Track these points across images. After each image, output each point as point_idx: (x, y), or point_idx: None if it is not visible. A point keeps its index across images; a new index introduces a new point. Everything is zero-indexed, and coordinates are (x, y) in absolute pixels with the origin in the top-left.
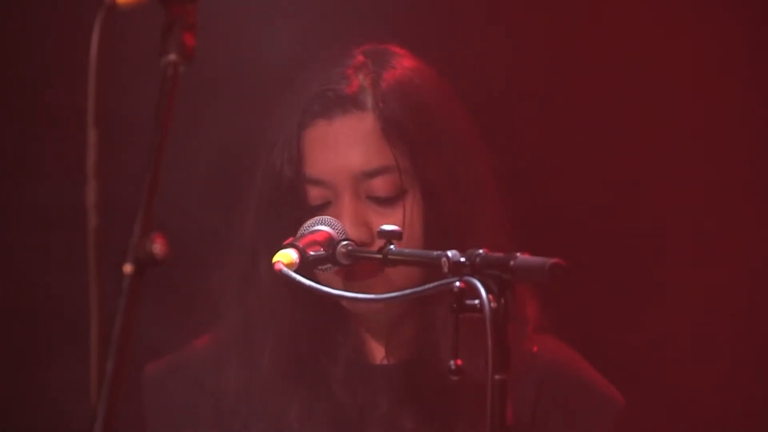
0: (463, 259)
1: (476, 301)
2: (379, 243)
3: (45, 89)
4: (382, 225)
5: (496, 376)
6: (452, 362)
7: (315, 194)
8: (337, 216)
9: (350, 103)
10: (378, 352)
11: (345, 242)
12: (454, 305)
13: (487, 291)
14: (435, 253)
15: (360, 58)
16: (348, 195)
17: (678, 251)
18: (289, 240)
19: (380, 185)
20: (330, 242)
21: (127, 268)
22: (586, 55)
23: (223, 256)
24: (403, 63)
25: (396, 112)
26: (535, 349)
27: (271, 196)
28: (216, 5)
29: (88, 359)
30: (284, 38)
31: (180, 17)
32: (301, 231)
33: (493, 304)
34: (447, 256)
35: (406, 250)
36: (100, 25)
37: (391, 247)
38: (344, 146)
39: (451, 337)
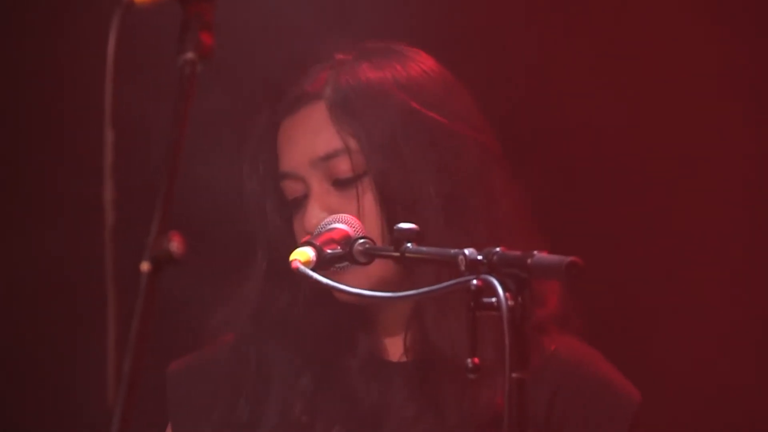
0: (480, 257)
1: (493, 300)
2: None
3: (62, 88)
4: (339, 207)
5: (514, 375)
6: (469, 360)
7: (290, 188)
8: (308, 206)
9: (310, 96)
10: (396, 350)
11: (362, 240)
12: (471, 303)
13: (505, 289)
14: (452, 251)
15: (339, 56)
16: (315, 183)
17: (703, 252)
18: (307, 238)
19: (337, 167)
20: (347, 240)
21: (144, 266)
22: (608, 53)
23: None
24: (386, 56)
25: (343, 96)
26: (553, 347)
27: (257, 199)
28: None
29: (105, 358)
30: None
31: (197, 16)
32: (318, 229)
33: (510, 302)
34: (464, 254)
35: (424, 248)
36: (117, 24)
37: (409, 245)
38: (303, 136)
39: (468, 335)
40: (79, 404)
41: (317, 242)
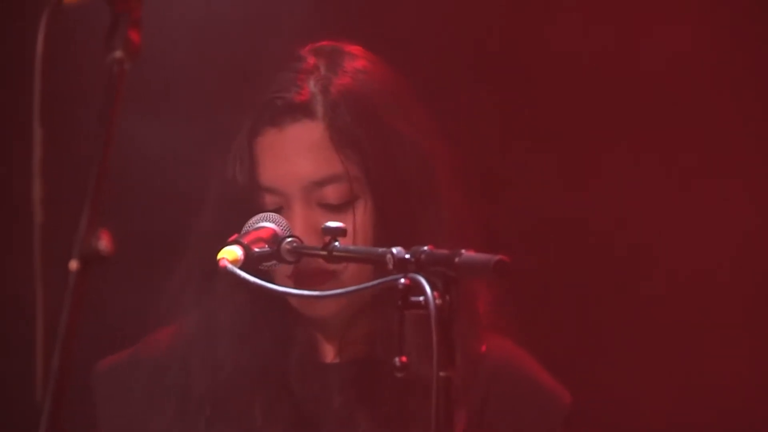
0: (407, 256)
1: (421, 298)
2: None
3: None
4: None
5: (441, 374)
6: (397, 359)
7: (267, 200)
8: (289, 223)
9: (300, 112)
10: (330, 351)
11: (290, 239)
12: (399, 302)
13: (432, 288)
14: (380, 249)
15: (311, 60)
16: (299, 203)
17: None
18: (234, 237)
19: (330, 193)
20: (275, 239)
21: (73, 264)
22: (571, 51)
23: (180, 258)
24: (355, 65)
25: (345, 120)
26: (483, 348)
27: (226, 202)
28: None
29: (33, 355)
30: (243, 35)
31: (126, 14)
32: (246, 228)
33: (438, 301)
34: (392, 253)
35: (351, 247)
36: (46, 23)
37: (336, 244)
38: (294, 155)
39: (396, 334)
40: (7, 401)
41: (245, 241)
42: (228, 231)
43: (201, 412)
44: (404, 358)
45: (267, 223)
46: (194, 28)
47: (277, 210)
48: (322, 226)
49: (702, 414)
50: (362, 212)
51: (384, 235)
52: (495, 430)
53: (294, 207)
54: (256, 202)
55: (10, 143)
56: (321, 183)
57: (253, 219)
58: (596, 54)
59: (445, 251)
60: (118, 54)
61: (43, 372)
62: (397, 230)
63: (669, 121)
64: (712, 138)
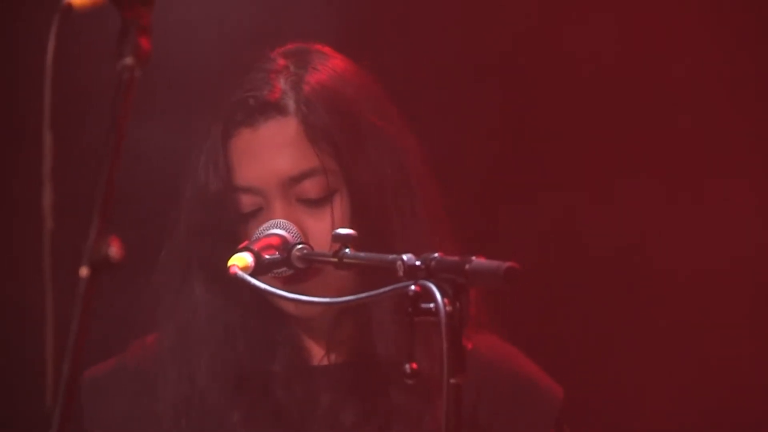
0: (418, 263)
1: (431, 305)
2: (333, 246)
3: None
4: (311, 226)
5: (452, 380)
6: (408, 366)
7: (246, 202)
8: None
9: (273, 109)
10: (317, 353)
11: (300, 246)
12: (410, 309)
13: (442, 295)
14: (390, 256)
15: (281, 61)
16: (278, 200)
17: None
18: (245, 243)
19: (308, 188)
20: (285, 246)
21: (83, 271)
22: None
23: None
24: (325, 63)
25: (319, 114)
26: (470, 346)
27: (200, 208)
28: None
29: (43, 362)
30: (219, 40)
31: (135, 20)
32: (257, 234)
33: (448, 308)
34: (402, 260)
35: (362, 254)
36: (56, 28)
37: (346, 250)
38: (269, 153)
39: (403, 339)
40: (18, 407)
41: (255, 247)
42: (203, 237)
43: (178, 422)
44: (415, 365)
45: (277, 230)
46: (198, 30)
47: (256, 212)
48: (333, 233)
49: (702, 414)
50: (339, 205)
51: (360, 228)
52: (489, 428)
53: (273, 205)
54: (230, 206)
55: (11, 147)
56: (298, 178)
57: (264, 226)
58: (596, 55)
59: (455, 258)
60: (129, 61)
61: (53, 379)
62: (372, 223)
63: (670, 123)
64: (714, 138)
